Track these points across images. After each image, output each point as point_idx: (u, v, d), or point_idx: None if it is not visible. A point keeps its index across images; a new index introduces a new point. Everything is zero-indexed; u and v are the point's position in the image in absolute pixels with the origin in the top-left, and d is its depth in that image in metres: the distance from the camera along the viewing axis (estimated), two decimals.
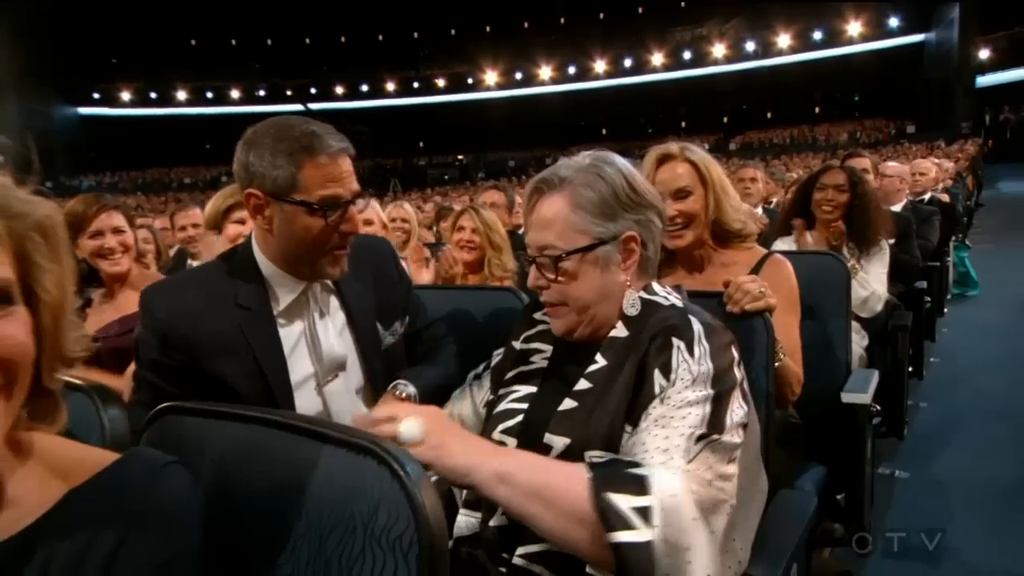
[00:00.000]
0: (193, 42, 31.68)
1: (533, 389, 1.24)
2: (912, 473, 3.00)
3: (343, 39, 32.91)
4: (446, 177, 28.80)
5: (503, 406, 1.25)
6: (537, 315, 1.33)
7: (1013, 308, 5.83)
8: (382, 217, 3.26)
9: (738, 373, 1.12)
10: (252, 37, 31.90)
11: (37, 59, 26.35)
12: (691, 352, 1.08)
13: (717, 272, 1.81)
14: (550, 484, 0.97)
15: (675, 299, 1.22)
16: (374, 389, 1.50)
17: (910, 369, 3.45)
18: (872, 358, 2.83)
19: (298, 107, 27.58)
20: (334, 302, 1.49)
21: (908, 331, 3.07)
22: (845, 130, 25.71)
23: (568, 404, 1.15)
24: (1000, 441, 3.32)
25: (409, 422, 0.96)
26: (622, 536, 0.91)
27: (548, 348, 1.29)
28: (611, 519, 0.91)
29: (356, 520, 0.74)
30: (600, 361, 1.16)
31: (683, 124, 27.98)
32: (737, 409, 1.08)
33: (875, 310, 2.75)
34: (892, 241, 3.29)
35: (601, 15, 30.99)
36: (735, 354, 1.13)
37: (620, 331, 1.18)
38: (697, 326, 1.12)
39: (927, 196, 5.27)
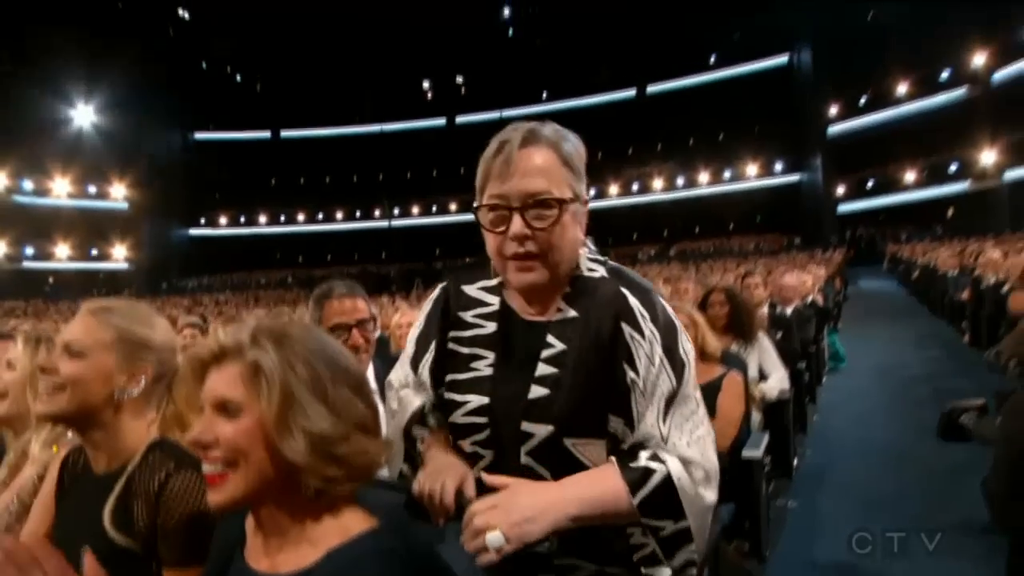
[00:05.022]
0: (273, 181, 32.85)
1: (485, 400, 0.96)
2: (799, 503, 3.21)
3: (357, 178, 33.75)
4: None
5: (463, 419, 0.98)
6: (469, 315, 1.02)
7: (871, 375, 6.11)
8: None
9: (675, 319, 0.97)
10: (310, 179, 33.05)
11: (164, 197, 28.34)
12: (640, 332, 0.92)
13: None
14: (604, 504, 0.87)
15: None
16: None
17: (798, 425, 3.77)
18: (767, 421, 3.12)
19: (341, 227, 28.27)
20: None
21: (791, 403, 3.38)
22: (752, 242, 26.65)
23: (538, 391, 0.93)
24: (862, 474, 3.55)
25: (494, 535, 0.80)
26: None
27: (490, 355, 0.99)
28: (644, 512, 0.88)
29: None
30: (557, 344, 0.94)
31: (634, 236, 28.69)
32: (685, 343, 0.96)
33: (785, 388, 3.05)
34: (779, 335, 3.70)
35: None
36: (667, 308, 0.96)
37: (566, 312, 0.96)
38: (633, 300, 0.94)
39: (809, 299, 5.68)
